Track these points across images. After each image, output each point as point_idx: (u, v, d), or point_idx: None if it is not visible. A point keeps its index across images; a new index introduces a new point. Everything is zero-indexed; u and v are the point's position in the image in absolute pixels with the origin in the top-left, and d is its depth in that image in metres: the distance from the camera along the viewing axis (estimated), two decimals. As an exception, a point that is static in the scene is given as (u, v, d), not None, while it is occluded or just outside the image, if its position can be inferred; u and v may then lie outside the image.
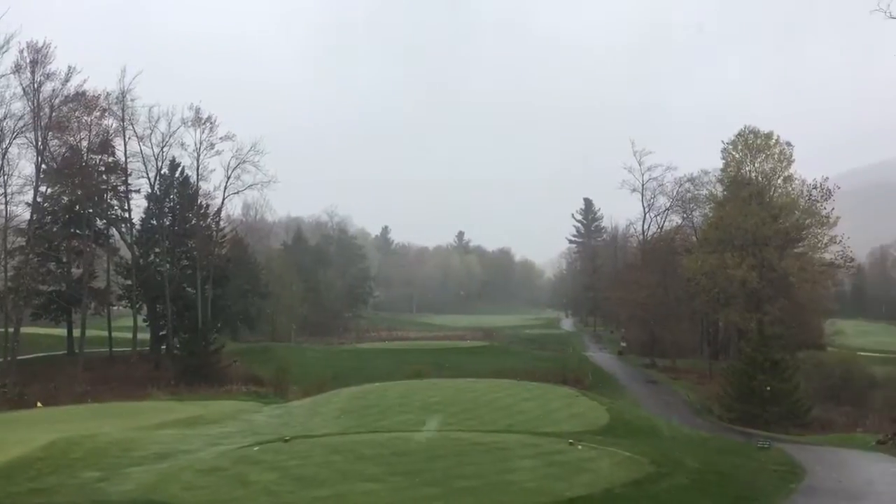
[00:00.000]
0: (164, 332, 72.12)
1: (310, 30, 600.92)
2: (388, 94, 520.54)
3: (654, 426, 33.08)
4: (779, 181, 71.46)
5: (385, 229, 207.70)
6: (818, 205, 69.15)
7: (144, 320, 73.96)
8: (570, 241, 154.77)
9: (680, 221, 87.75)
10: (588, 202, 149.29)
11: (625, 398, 52.06)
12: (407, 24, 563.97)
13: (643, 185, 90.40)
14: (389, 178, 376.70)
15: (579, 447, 21.18)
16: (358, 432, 25.55)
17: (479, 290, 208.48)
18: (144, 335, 73.51)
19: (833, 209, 68.69)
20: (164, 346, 71.81)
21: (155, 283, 70.68)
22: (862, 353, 77.07)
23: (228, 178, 73.72)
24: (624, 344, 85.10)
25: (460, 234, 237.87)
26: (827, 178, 70.00)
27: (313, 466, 18.25)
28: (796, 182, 70.88)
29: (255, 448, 21.31)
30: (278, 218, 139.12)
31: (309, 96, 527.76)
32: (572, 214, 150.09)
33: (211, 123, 70.36)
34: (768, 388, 45.82)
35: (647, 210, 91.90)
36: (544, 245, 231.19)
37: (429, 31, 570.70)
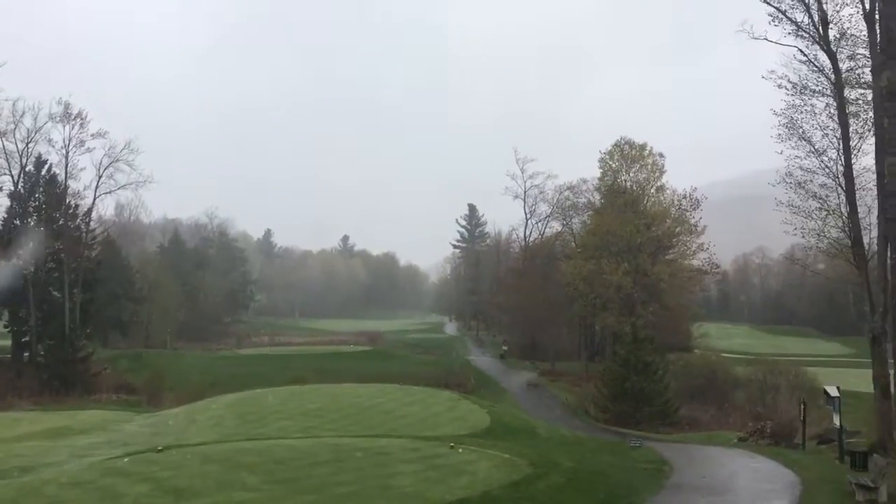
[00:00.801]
0: (26, 339, 67.88)
1: (196, 23, 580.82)
2: (276, 95, 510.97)
3: (532, 428, 33.90)
4: (652, 190, 74.84)
5: (268, 232, 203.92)
6: (687, 214, 72.85)
7: (5, 326, 69.46)
8: (455, 246, 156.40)
9: (560, 228, 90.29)
10: (472, 208, 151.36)
11: (505, 401, 53.03)
12: (298, 24, 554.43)
13: (525, 192, 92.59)
14: (274, 180, 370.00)
15: (460, 450, 21.45)
16: (236, 440, 24.92)
17: (364, 294, 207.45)
18: (5, 342, 69.09)
19: (700, 218, 72.61)
20: (26, 354, 67.57)
21: (17, 287, 66.40)
22: (726, 355, 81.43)
23: (100, 177, 70.87)
24: (505, 348, 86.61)
25: (345, 238, 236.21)
26: (695, 188, 73.92)
27: (187, 477, 17.62)
28: (668, 192, 74.52)
29: (125, 459, 20.39)
30: (154, 219, 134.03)
31: (193, 95, 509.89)
32: (457, 220, 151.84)
33: (81, 119, 67.12)
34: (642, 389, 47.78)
35: (528, 216, 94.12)
36: (429, 250, 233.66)
37: (322, 31, 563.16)
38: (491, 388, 61.45)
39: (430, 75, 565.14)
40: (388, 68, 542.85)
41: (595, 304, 74.25)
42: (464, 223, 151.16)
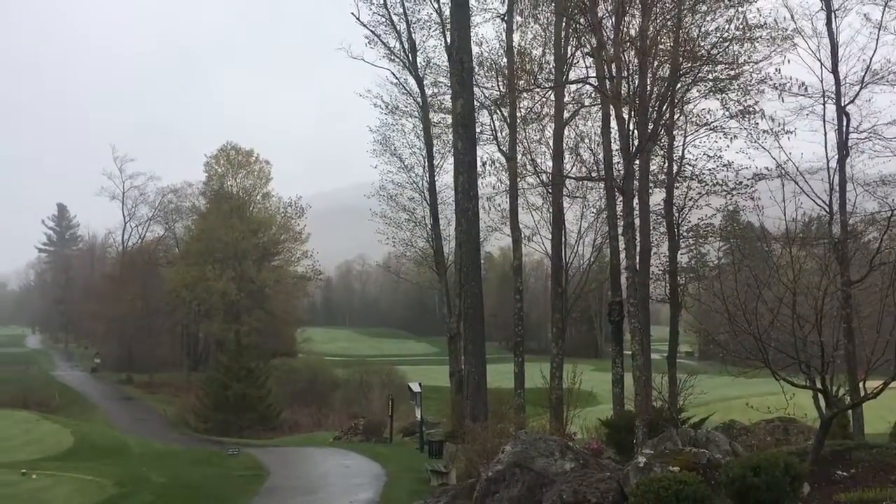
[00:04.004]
0: None
1: None
2: None
3: (123, 445, 31.74)
4: (258, 197, 75.32)
5: None
6: (293, 221, 74.62)
7: None
8: (41, 250, 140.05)
9: (163, 232, 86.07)
10: (62, 208, 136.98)
11: (96, 418, 48.89)
12: None
13: (124, 192, 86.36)
14: None
15: (34, 476, 19.40)
16: None
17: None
18: None
19: (306, 226, 74.83)
20: None
21: None
22: (328, 358, 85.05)
23: None
24: (98, 361, 79.99)
25: None
26: (301, 196, 76.02)
27: None
28: (274, 199, 75.55)
29: None
30: None
31: None
32: (43, 220, 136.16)
33: None
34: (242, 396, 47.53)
35: (128, 219, 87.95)
36: (8, 253, 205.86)
37: None
38: (80, 404, 56.22)
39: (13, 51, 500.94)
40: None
41: (199, 312, 72.26)
42: (52, 224, 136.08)
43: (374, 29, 33.39)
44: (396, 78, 34.24)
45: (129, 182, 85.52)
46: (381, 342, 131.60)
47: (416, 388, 30.76)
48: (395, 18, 33.19)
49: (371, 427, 37.35)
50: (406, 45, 33.11)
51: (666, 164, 24.99)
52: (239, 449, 31.54)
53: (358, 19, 33.14)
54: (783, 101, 20.86)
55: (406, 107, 34.63)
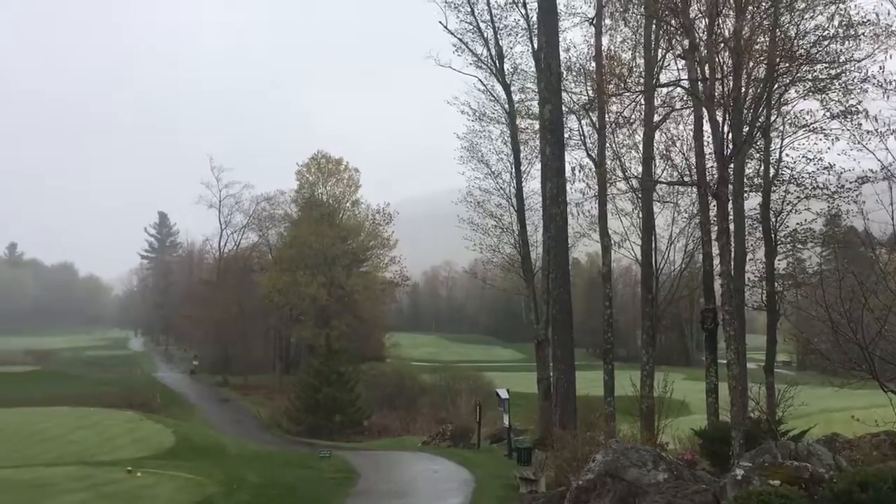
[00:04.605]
0: None
1: None
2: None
3: (221, 445, 32.76)
4: (348, 204, 76.73)
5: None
6: (381, 228, 75.65)
7: None
8: (143, 257, 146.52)
9: (256, 239, 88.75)
10: (163, 216, 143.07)
11: (195, 419, 50.71)
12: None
13: (220, 201, 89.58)
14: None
15: (138, 474, 20.12)
16: None
17: (34, 308, 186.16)
18: None
19: (394, 232, 75.78)
20: None
21: None
22: (415, 363, 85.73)
23: None
24: (196, 363, 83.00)
25: (12, 246, 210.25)
26: (389, 203, 77.00)
27: None
28: (363, 206, 76.82)
29: None
30: None
31: None
32: (145, 228, 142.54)
33: None
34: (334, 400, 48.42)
35: (224, 226, 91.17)
36: (114, 260, 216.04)
37: None
38: (180, 405, 58.35)
39: (117, 73, 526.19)
40: (66, 59, 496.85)
41: (290, 317, 74.07)
42: (153, 232, 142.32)
43: (461, 37, 33.75)
44: (484, 85, 34.44)
45: (225, 191, 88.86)
46: (468, 348, 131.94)
47: (503, 394, 30.72)
48: (482, 26, 33.46)
49: (459, 432, 37.46)
50: (493, 52, 33.27)
51: (762, 168, 24.24)
52: (330, 451, 32.10)
53: (445, 28, 33.54)
54: (888, 99, 19.90)
55: (493, 113, 34.77)
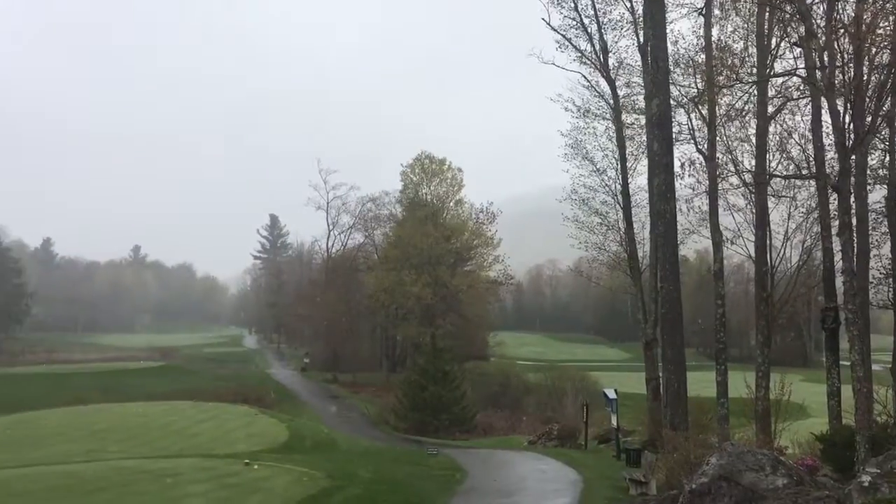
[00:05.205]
0: None
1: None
2: (59, 96, 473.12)
3: (332, 440, 33.64)
4: (451, 204, 77.17)
5: (47, 241, 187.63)
6: (484, 227, 75.72)
7: None
8: (256, 257, 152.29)
9: (363, 240, 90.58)
10: (274, 218, 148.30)
11: (306, 414, 52.25)
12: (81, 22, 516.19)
13: (328, 203, 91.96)
14: (57, 187, 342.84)
15: (255, 467, 20.87)
16: (8, 467, 22.57)
17: (157, 307, 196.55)
18: None
19: (497, 231, 75.73)
20: None
21: None
22: (519, 362, 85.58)
23: None
24: (307, 360, 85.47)
25: (136, 248, 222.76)
26: (492, 202, 77.03)
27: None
28: (466, 205, 77.15)
29: None
30: None
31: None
32: (258, 230, 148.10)
33: None
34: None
35: (331, 227, 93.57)
36: (229, 261, 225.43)
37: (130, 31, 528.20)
38: (292, 401, 60.31)
39: (233, 81, 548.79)
40: (186, 66, 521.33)
41: (396, 316, 75.24)
42: (265, 234, 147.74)
43: (564, 33, 33.45)
44: (587, 81, 34.06)
45: (332, 193, 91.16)
46: (573, 347, 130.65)
47: (611, 394, 30.29)
48: (585, 21, 33.12)
49: (565, 432, 37.16)
50: (597, 47, 32.86)
51: (887, 159, 22.96)
52: (438, 449, 32.50)
53: (548, 24, 33.34)
54: None
55: (597, 109, 34.32)
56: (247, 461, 21.54)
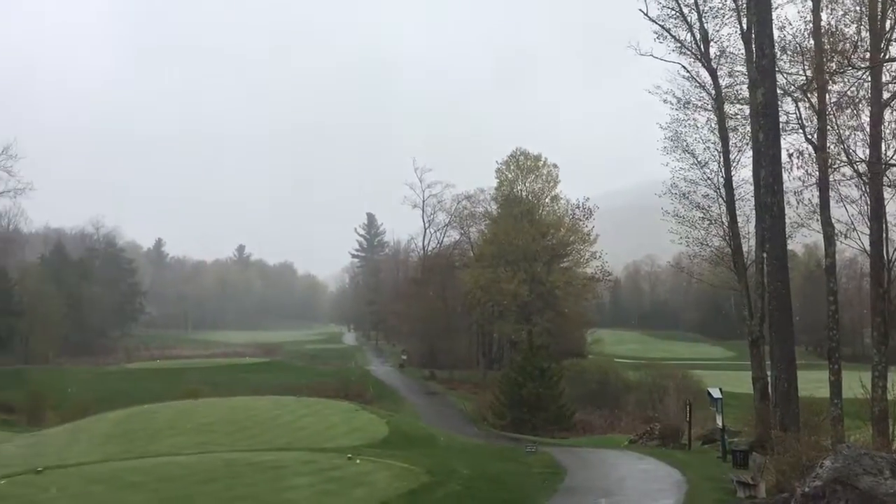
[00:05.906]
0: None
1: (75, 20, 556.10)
2: (165, 102, 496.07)
3: (431, 437, 33.95)
4: (547, 200, 76.54)
5: (159, 242, 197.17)
6: (581, 223, 74.81)
7: None
8: (354, 256, 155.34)
9: (458, 237, 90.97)
10: (371, 217, 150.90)
11: (405, 410, 52.98)
12: (187, 32, 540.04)
13: (424, 201, 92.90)
14: (166, 189, 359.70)
15: (357, 461, 21.28)
16: (123, 459, 23.87)
17: (261, 305, 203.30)
18: None
19: (594, 227, 74.68)
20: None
21: None
22: (618, 360, 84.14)
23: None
24: (405, 357, 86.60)
25: (241, 248, 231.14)
26: (588, 198, 76.05)
27: (69, 499, 16.77)
28: (562, 201, 76.38)
29: (2, 482, 19.21)
30: (35, 229, 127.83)
31: (75, 98, 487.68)
32: (355, 229, 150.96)
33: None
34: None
35: (427, 226, 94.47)
36: (328, 259, 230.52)
37: (213, 32, 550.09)
38: (391, 397, 61.28)
39: (335, 85, 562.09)
40: (284, 70, 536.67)
41: (492, 313, 75.23)
42: (363, 232, 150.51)
43: (662, 23, 32.63)
44: (688, 71, 33.09)
45: (427, 191, 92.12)
46: (673, 345, 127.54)
47: (716, 393, 29.42)
48: (685, 10, 32.17)
49: (667, 432, 36.31)
50: (697, 37, 31.90)
51: None
52: (536, 447, 32.33)
53: (646, 15, 32.57)
54: None
55: (698, 101, 33.30)
56: (349, 455, 21.99)
